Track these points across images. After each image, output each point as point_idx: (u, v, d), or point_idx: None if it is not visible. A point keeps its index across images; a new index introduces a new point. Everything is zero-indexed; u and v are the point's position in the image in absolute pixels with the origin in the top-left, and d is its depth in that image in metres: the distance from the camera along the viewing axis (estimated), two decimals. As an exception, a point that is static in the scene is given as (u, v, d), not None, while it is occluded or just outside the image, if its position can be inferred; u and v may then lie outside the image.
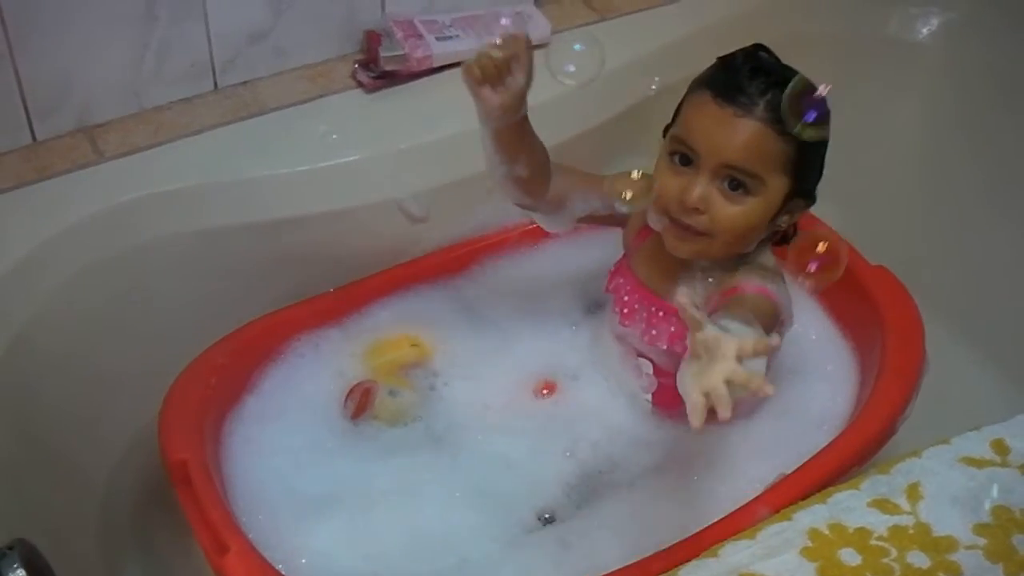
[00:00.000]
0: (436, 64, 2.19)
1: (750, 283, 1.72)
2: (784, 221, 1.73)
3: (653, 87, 1.98)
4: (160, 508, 1.91)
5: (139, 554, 2.02)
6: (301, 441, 1.86)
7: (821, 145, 1.70)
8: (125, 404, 1.94)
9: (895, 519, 1.55)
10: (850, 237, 1.93)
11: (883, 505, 1.56)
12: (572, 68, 1.65)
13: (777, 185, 1.68)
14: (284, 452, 1.83)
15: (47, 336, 1.83)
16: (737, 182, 1.67)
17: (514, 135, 1.70)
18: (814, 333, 1.99)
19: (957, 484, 1.59)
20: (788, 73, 1.66)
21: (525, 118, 1.69)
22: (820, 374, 1.98)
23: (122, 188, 1.93)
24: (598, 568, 1.63)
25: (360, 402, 1.91)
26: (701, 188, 1.67)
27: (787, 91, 1.62)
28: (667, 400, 1.87)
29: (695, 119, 1.69)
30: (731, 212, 1.68)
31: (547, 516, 1.82)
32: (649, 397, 1.90)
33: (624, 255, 1.94)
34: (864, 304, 2.00)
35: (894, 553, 1.50)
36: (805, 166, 1.69)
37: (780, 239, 1.80)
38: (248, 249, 2.02)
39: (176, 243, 1.96)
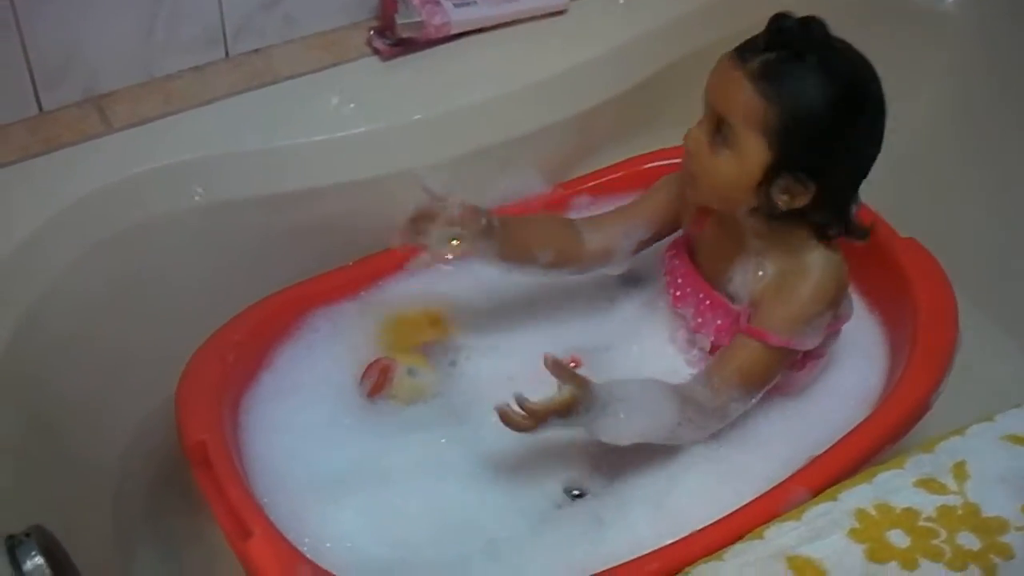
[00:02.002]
0: (454, 31, 2.14)
1: (769, 325, 1.73)
2: (783, 201, 1.68)
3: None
4: (174, 490, 1.90)
5: (153, 537, 2.00)
6: (319, 419, 1.82)
7: (811, 126, 1.63)
8: (137, 385, 1.92)
9: (943, 499, 1.53)
10: (878, 209, 1.95)
11: (929, 485, 1.55)
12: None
13: (752, 146, 1.65)
14: (302, 431, 1.80)
15: (56, 317, 1.79)
16: (721, 133, 1.67)
17: (510, 246, 1.79)
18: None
19: (1003, 463, 1.58)
20: (812, 47, 1.63)
21: (507, 225, 1.78)
22: (853, 351, 1.94)
23: (132, 160, 1.89)
24: (636, 546, 1.62)
25: (377, 381, 1.86)
26: (695, 130, 1.71)
27: (786, 55, 1.62)
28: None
29: (713, 68, 1.70)
30: (710, 161, 1.69)
31: (576, 491, 1.79)
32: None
33: (683, 236, 1.94)
34: (894, 277, 1.96)
35: (943, 534, 1.48)
36: (789, 138, 1.63)
37: (842, 232, 1.76)
38: (262, 222, 1.98)
39: (188, 217, 1.92)
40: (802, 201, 1.67)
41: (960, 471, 1.55)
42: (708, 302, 1.84)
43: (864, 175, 1.72)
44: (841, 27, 1.67)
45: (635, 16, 1.91)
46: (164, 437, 1.75)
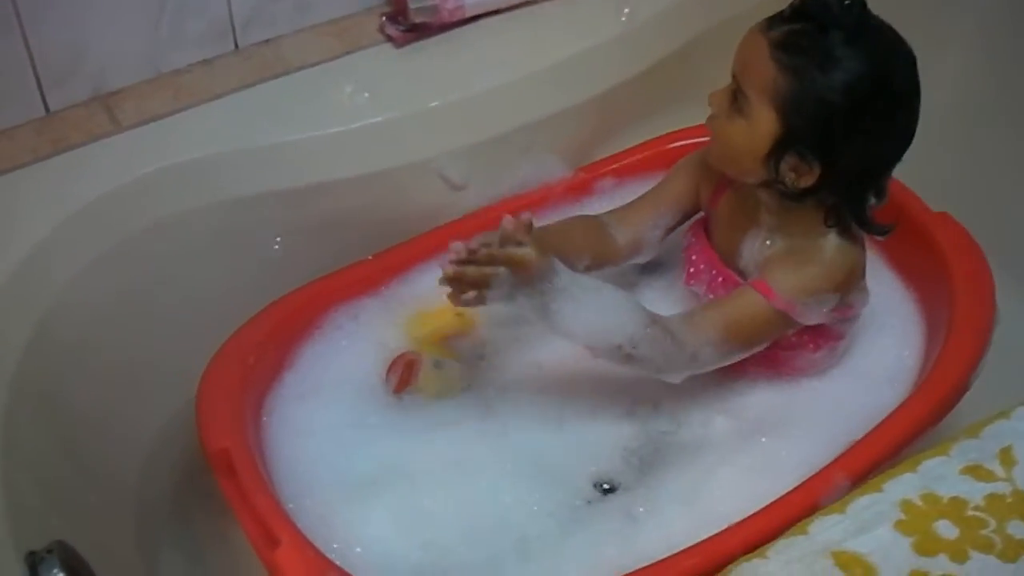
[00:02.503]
0: (469, 14, 2.11)
1: (775, 283, 1.70)
2: (790, 178, 1.65)
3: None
4: (196, 494, 1.89)
5: (177, 542, 1.98)
6: (344, 418, 1.79)
7: (822, 104, 1.59)
8: (156, 390, 1.91)
9: (991, 487, 1.49)
10: (908, 182, 1.92)
11: (976, 472, 1.51)
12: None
13: (764, 116, 1.63)
14: (327, 431, 1.77)
15: (70, 325, 1.77)
16: (738, 99, 1.66)
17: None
18: (876, 287, 1.89)
19: None
20: (841, 23, 1.58)
21: (549, 232, 1.79)
22: (886, 330, 1.92)
23: (142, 159, 1.86)
24: (670, 542, 1.59)
25: (403, 376, 1.84)
26: (719, 92, 1.70)
27: (808, 29, 1.59)
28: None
29: (747, 32, 1.69)
30: (725, 125, 1.69)
31: (606, 485, 1.76)
32: None
33: (703, 216, 1.91)
34: (928, 253, 1.93)
35: (993, 524, 1.45)
36: (798, 113, 1.61)
37: (854, 222, 1.73)
38: (278, 219, 1.96)
39: (202, 216, 1.90)
40: (807, 181, 1.65)
41: (1007, 457, 1.52)
42: (720, 279, 1.83)
43: (885, 168, 1.69)
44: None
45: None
46: (186, 442, 1.74)
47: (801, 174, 1.64)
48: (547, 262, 1.59)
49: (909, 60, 1.62)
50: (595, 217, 1.91)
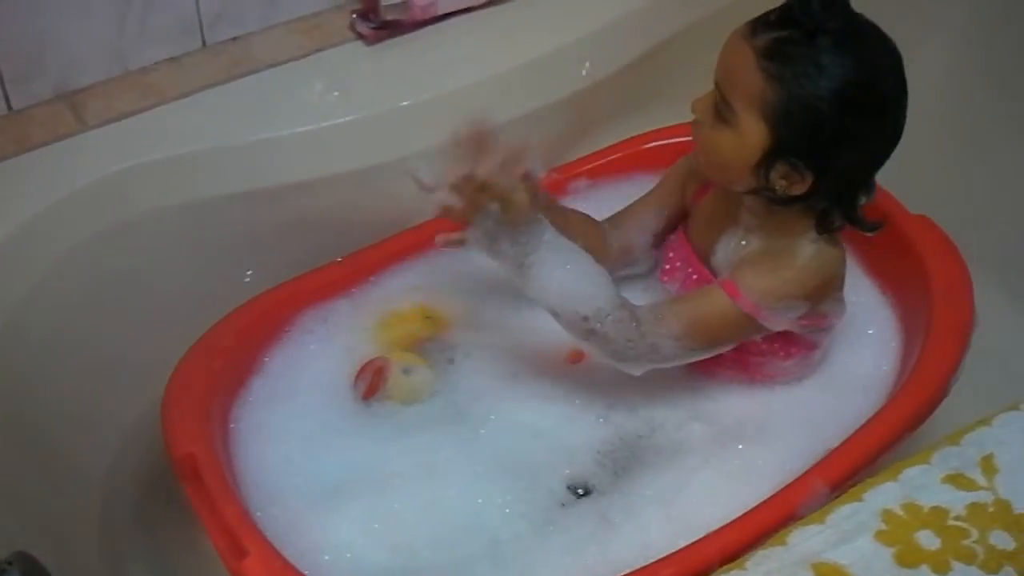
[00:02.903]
0: (441, 12, 2.10)
1: (744, 284, 1.67)
2: (781, 186, 1.63)
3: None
4: (163, 502, 1.87)
5: (143, 548, 1.96)
6: (313, 425, 1.77)
7: (813, 114, 1.57)
8: (122, 393, 1.89)
9: (972, 496, 1.48)
10: (887, 185, 1.89)
11: (958, 480, 1.50)
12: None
13: (752, 127, 1.60)
14: (296, 438, 1.75)
15: (35, 326, 1.75)
16: (723, 107, 1.62)
17: (553, 220, 1.70)
18: (853, 294, 1.89)
19: None
20: (828, 28, 1.55)
21: (552, 201, 1.81)
22: (864, 336, 1.91)
23: (109, 159, 1.84)
24: (646, 548, 1.59)
25: (372, 382, 1.81)
26: (703, 100, 1.67)
27: (794, 37, 1.55)
28: (706, 361, 1.78)
29: (727, 39, 1.65)
30: (712, 135, 1.65)
31: (580, 490, 1.74)
32: None
33: (685, 212, 1.90)
34: (906, 257, 1.92)
35: (975, 534, 1.44)
36: (789, 124, 1.58)
37: (845, 224, 1.71)
38: (248, 219, 1.94)
39: (169, 216, 1.88)
40: (799, 189, 1.62)
41: (988, 465, 1.51)
42: (695, 276, 1.82)
43: (875, 169, 1.68)
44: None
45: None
46: (152, 446, 1.71)
47: (792, 182, 1.62)
48: (535, 214, 1.60)
49: (896, 61, 1.60)
50: (597, 221, 1.90)
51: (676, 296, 1.75)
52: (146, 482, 1.93)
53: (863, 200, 1.69)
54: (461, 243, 1.65)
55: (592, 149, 2.11)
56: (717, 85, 1.63)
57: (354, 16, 2.10)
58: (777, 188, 1.63)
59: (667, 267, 1.87)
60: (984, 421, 1.57)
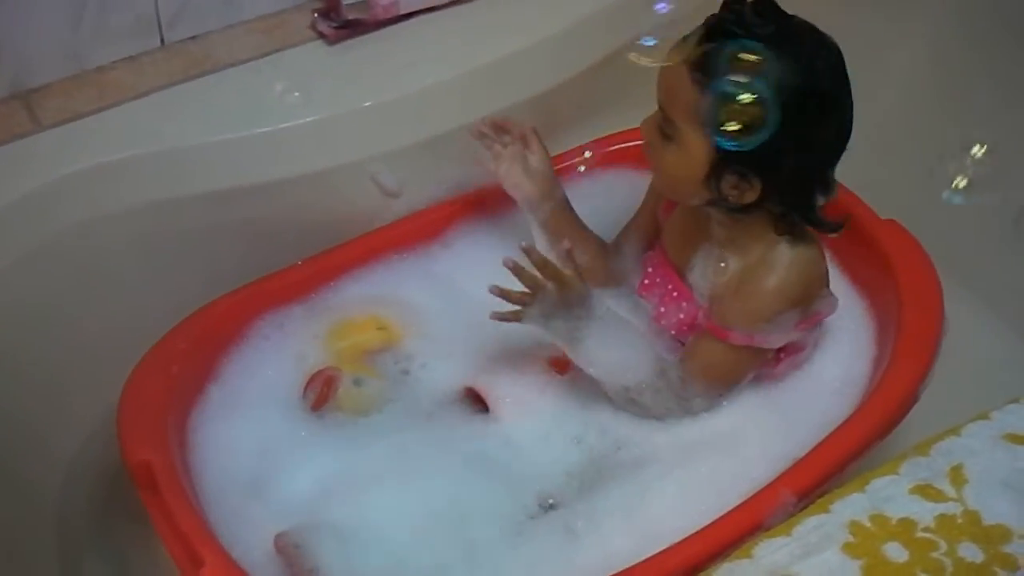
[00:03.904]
0: (403, 11, 2.08)
1: (729, 320, 1.69)
2: (732, 195, 1.63)
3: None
4: (120, 508, 1.83)
5: (101, 555, 1.93)
6: (270, 433, 1.76)
7: None
8: (77, 397, 1.87)
9: (941, 507, 1.46)
10: (857, 190, 1.91)
11: (926, 491, 1.47)
12: None
13: (694, 141, 1.60)
14: (255, 446, 1.73)
15: None
16: (667, 125, 1.64)
17: (561, 224, 1.88)
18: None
19: (1003, 465, 1.51)
20: (758, 34, 1.54)
21: (567, 209, 1.89)
22: (835, 339, 1.88)
23: (64, 160, 1.82)
24: (611, 559, 1.57)
25: (321, 392, 1.80)
26: (648, 120, 1.68)
27: (724, 46, 1.54)
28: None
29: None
30: (660, 153, 1.67)
31: (551, 501, 1.72)
32: None
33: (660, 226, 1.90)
34: (876, 261, 1.91)
35: (944, 546, 1.41)
36: None
37: (804, 224, 1.70)
38: (207, 221, 1.92)
39: (127, 218, 1.86)
40: (750, 197, 1.62)
41: (957, 475, 1.49)
42: (675, 293, 1.81)
43: (826, 168, 1.66)
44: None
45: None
46: (108, 451, 1.68)
47: (743, 191, 1.61)
48: (587, 289, 1.66)
49: (834, 58, 1.59)
50: (606, 245, 1.95)
51: (684, 355, 1.74)
52: (103, 491, 1.91)
53: (822, 200, 1.67)
54: (517, 320, 1.67)
55: (557, 151, 2.06)
56: (659, 104, 1.64)
57: (315, 15, 2.09)
58: (730, 198, 1.62)
59: (646, 281, 1.85)
60: (953, 431, 1.55)
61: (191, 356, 1.75)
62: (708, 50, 1.55)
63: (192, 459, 1.69)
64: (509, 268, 1.62)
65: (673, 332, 1.80)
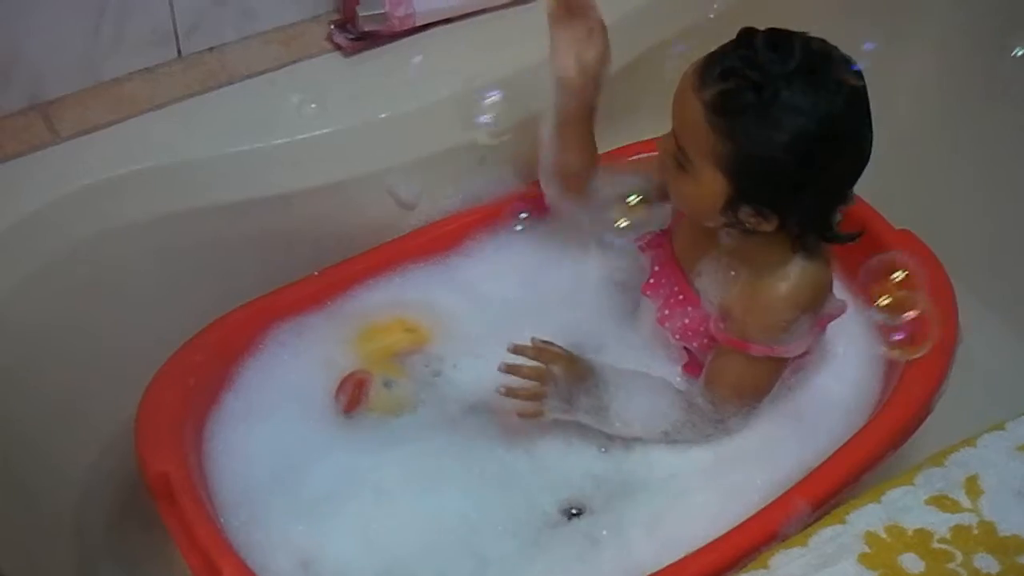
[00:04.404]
0: (419, 23, 2.07)
1: (746, 333, 1.70)
2: (750, 223, 1.62)
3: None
4: (137, 520, 1.82)
5: (117, 562, 1.94)
6: (291, 439, 1.76)
7: (768, 166, 1.55)
8: (95, 410, 1.87)
9: (956, 518, 1.47)
10: (869, 199, 1.90)
11: (941, 502, 1.48)
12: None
13: (710, 178, 1.59)
14: (273, 453, 1.73)
15: (5, 341, 1.73)
16: (679, 156, 1.62)
17: (577, 130, 1.84)
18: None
19: (1019, 476, 1.52)
20: (774, 76, 1.51)
21: (587, 118, 1.84)
22: (848, 349, 1.88)
23: (82, 171, 1.82)
24: (632, 569, 1.59)
25: (352, 395, 1.80)
26: (664, 141, 1.66)
27: (741, 93, 1.52)
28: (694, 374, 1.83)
29: (679, 82, 1.62)
30: (675, 179, 1.66)
31: (575, 510, 1.73)
32: (680, 368, 1.85)
33: (670, 224, 1.87)
34: (890, 272, 1.90)
35: (959, 557, 1.42)
36: (745, 173, 1.56)
37: (830, 241, 1.70)
38: (223, 233, 1.92)
39: (144, 230, 1.85)
40: (768, 227, 1.61)
41: (973, 486, 1.49)
42: (681, 296, 1.80)
43: (845, 194, 1.65)
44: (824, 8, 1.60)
45: (609, 2, 1.83)
46: (125, 463, 1.69)
47: (760, 222, 1.60)
48: (588, 361, 1.71)
49: (854, 95, 1.55)
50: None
51: (707, 377, 1.75)
52: (121, 502, 1.92)
53: (839, 215, 1.67)
54: (541, 415, 1.69)
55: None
56: (674, 133, 1.62)
57: (332, 27, 2.08)
58: (747, 225, 1.62)
59: (651, 280, 1.84)
60: (968, 441, 1.56)
61: (207, 367, 1.75)
62: (723, 91, 1.53)
63: (209, 465, 1.69)
64: (504, 371, 1.66)
65: (677, 336, 1.79)
